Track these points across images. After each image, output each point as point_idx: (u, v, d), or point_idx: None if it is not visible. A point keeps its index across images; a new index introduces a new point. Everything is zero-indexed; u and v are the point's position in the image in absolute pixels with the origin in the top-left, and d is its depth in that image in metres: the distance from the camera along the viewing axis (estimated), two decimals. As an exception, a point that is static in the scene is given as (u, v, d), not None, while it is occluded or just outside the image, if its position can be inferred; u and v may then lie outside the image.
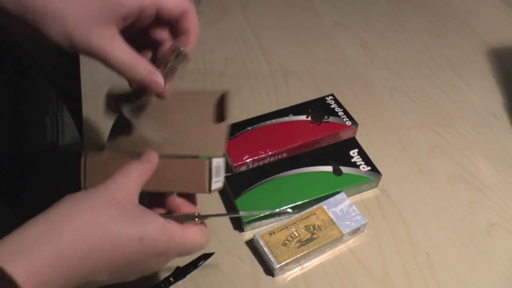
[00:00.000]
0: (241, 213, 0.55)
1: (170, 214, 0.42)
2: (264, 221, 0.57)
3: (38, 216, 0.33)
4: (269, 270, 0.53)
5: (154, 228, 0.36)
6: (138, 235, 0.35)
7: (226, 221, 0.58)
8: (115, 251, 0.34)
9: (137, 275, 0.38)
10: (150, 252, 0.36)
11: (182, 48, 0.41)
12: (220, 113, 0.53)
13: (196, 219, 0.41)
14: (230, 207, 0.60)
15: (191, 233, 0.39)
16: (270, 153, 0.63)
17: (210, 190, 0.43)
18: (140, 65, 0.39)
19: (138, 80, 0.39)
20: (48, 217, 0.33)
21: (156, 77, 0.40)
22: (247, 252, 0.55)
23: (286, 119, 0.67)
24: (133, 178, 0.39)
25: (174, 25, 0.41)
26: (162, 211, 0.43)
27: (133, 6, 0.37)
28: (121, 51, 0.38)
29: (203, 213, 0.42)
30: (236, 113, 0.72)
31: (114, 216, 0.35)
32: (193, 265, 0.53)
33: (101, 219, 0.34)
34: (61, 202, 0.35)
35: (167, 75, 0.42)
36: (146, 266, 0.37)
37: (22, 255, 0.30)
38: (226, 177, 0.60)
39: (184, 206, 0.42)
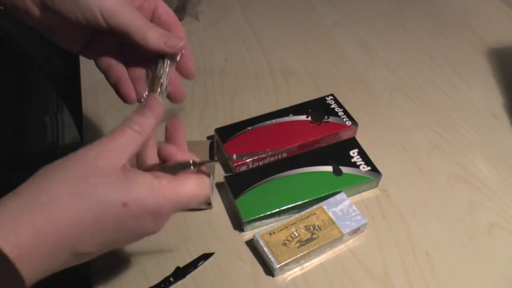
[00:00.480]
0: (235, 157, 0.55)
1: (163, 164, 0.39)
2: (264, 221, 0.57)
3: (16, 190, 0.33)
4: (269, 270, 0.53)
5: (139, 189, 0.34)
6: (121, 200, 0.34)
7: (226, 221, 0.58)
8: (98, 220, 0.33)
9: (135, 238, 0.37)
10: (139, 214, 0.35)
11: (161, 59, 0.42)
12: (209, 156, 0.61)
13: (192, 167, 0.38)
14: (231, 206, 0.60)
15: (185, 185, 0.37)
16: (270, 153, 0.63)
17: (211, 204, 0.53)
18: (161, 29, 0.41)
19: (164, 39, 0.40)
20: (24, 190, 0.32)
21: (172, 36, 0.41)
22: (247, 252, 0.55)
23: (286, 119, 0.67)
24: (123, 142, 0.36)
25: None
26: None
27: None
28: (143, 18, 0.40)
29: None
30: (236, 113, 0.72)
31: (92, 184, 0.33)
32: (193, 265, 0.53)
33: (78, 189, 0.33)
34: (37, 173, 0.34)
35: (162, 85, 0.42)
36: (142, 228, 0.36)
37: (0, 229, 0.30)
38: (226, 177, 0.60)
39: (177, 154, 0.40)
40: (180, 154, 0.40)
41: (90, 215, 0.33)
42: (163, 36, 0.40)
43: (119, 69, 0.45)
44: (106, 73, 0.46)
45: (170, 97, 0.44)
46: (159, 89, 0.42)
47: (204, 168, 0.39)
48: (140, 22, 0.40)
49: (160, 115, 0.39)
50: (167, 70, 0.42)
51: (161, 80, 0.41)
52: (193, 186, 0.37)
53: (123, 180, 0.34)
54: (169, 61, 0.42)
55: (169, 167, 0.38)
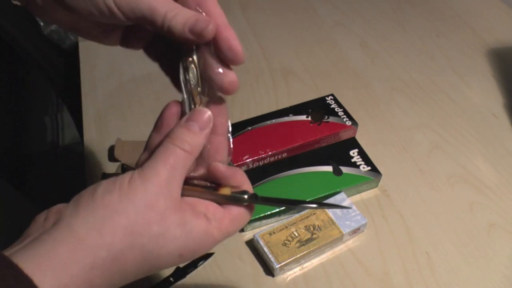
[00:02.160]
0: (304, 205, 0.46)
1: (211, 191, 0.35)
2: (264, 221, 0.57)
3: (64, 226, 0.30)
4: (269, 270, 0.53)
5: (195, 239, 0.32)
6: (179, 252, 0.32)
7: (226, 221, 0.58)
8: (151, 268, 0.32)
9: None
10: (191, 258, 0.34)
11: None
12: None
13: (244, 203, 0.34)
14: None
15: (232, 222, 0.34)
16: (270, 153, 0.63)
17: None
18: (187, 10, 0.33)
19: (189, 24, 0.32)
20: (77, 235, 0.29)
21: (205, 17, 0.33)
22: (247, 252, 0.55)
23: (286, 119, 0.67)
24: (179, 165, 0.32)
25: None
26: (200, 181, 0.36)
27: None
28: (166, 0, 0.33)
29: None
30: (236, 113, 0.72)
31: (155, 235, 0.31)
32: (193, 265, 0.53)
33: (140, 241, 0.30)
34: (88, 209, 0.30)
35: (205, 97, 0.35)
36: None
37: (50, 272, 0.28)
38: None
39: (230, 177, 0.35)
40: (231, 177, 0.35)
41: (146, 267, 0.32)
42: (187, 21, 0.32)
43: (169, 56, 0.38)
44: (159, 63, 0.40)
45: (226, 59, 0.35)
46: (199, 94, 0.35)
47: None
48: (162, 6, 0.32)
49: (209, 129, 0.35)
50: (196, 71, 0.35)
51: (192, 83, 0.35)
52: (239, 223, 0.35)
53: (181, 228, 0.32)
54: (196, 55, 0.35)
55: (219, 196, 0.34)
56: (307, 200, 0.57)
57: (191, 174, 0.36)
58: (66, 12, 0.35)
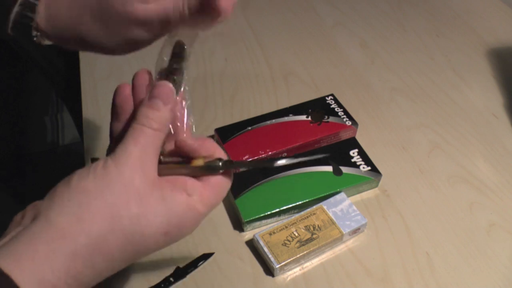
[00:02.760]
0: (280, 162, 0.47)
1: (184, 164, 0.34)
2: (264, 221, 0.57)
3: (41, 219, 0.29)
4: (269, 270, 0.53)
5: (178, 214, 0.32)
6: (163, 231, 0.32)
7: (226, 221, 0.58)
8: (139, 251, 0.32)
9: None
10: (178, 237, 0.33)
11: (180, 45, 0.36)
12: None
13: (220, 171, 0.34)
14: (231, 206, 0.60)
15: (213, 193, 0.34)
16: (270, 153, 0.63)
17: None
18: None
19: None
20: (55, 225, 0.29)
21: None
22: (247, 252, 0.55)
23: (286, 119, 0.67)
24: (150, 143, 0.32)
25: None
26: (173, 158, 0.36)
27: None
28: None
29: None
30: (236, 113, 0.72)
31: (135, 215, 0.30)
32: (193, 265, 0.53)
33: (120, 223, 0.30)
34: (64, 197, 0.30)
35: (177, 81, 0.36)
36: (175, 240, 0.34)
37: (29, 266, 0.28)
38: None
39: (199, 148, 0.35)
40: (201, 147, 0.35)
41: (130, 250, 0.31)
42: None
43: None
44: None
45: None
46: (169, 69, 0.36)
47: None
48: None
49: (173, 104, 0.34)
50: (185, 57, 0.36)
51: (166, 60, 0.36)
52: (220, 193, 0.35)
53: (162, 204, 0.32)
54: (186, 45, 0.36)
55: (193, 168, 0.34)
56: (307, 200, 0.57)
57: (165, 152, 0.36)
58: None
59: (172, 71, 0.35)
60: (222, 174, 0.34)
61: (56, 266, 0.28)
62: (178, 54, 0.36)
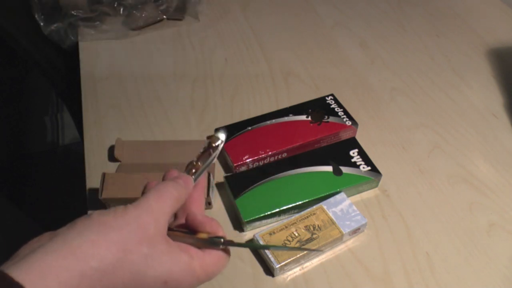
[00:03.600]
0: (268, 246, 0.54)
1: (191, 235, 0.38)
2: (264, 221, 0.57)
3: (58, 239, 0.31)
4: (269, 270, 0.53)
5: (180, 270, 0.35)
6: (164, 278, 0.34)
7: (226, 221, 0.58)
8: None
9: None
10: None
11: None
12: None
13: (221, 246, 0.38)
14: (231, 206, 0.60)
15: (214, 266, 0.37)
16: (270, 153, 0.63)
17: (208, 194, 0.56)
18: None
19: None
20: (71, 245, 0.31)
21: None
22: (247, 252, 0.55)
23: (286, 119, 0.67)
24: (167, 204, 0.36)
25: None
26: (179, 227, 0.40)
27: None
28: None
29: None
30: (236, 113, 0.72)
31: (144, 255, 0.33)
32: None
33: (130, 258, 0.32)
34: (85, 225, 0.32)
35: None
36: None
37: (38, 277, 0.29)
38: (226, 177, 0.60)
39: (206, 224, 0.39)
40: (209, 224, 0.39)
41: (133, 286, 0.33)
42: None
43: None
44: None
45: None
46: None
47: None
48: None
49: (191, 189, 0.39)
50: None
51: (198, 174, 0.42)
52: (218, 266, 0.38)
53: (168, 256, 0.34)
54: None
55: (198, 240, 0.38)
56: (307, 200, 0.57)
57: (173, 225, 0.41)
58: None
59: (195, 164, 0.42)
60: (222, 250, 0.38)
61: (63, 281, 0.29)
62: (204, 152, 0.42)
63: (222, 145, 0.43)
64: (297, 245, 0.53)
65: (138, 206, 0.34)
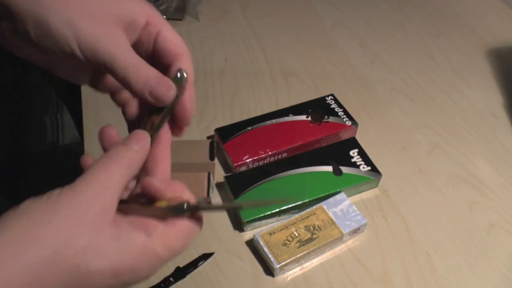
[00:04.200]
0: (240, 204, 0.50)
1: (150, 206, 0.32)
2: (264, 221, 0.57)
3: None
4: (269, 270, 0.53)
5: (134, 254, 0.29)
6: (114, 270, 0.28)
7: (226, 221, 0.58)
8: None
9: None
10: (131, 281, 0.30)
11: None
12: (209, 156, 0.61)
13: (185, 213, 0.32)
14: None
15: (176, 236, 0.31)
16: (270, 153, 0.63)
17: (208, 194, 0.53)
18: (151, 69, 0.33)
19: (150, 85, 0.32)
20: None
21: (168, 83, 0.33)
22: (247, 252, 0.55)
23: (286, 119, 0.67)
24: (114, 177, 0.30)
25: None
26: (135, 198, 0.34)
27: (140, 16, 0.34)
28: (130, 53, 0.32)
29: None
30: (236, 113, 0.72)
31: (83, 247, 0.27)
32: (193, 265, 0.53)
33: (64, 255, 0.27)
34: (8, 220, 0.27)
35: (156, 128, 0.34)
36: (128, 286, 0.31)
37: None
38: (226, 177, 0.60)
39: (165, 190, 0.32)
40: (167, 189, 0.33)
41: (74, 287, 0.27)
42: (148, 82, 0.32)
43: (134, 104, 0.38)
44: (122, 109, 0.38)
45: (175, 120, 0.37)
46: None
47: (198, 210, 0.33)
48: (124, 59, 0.32)
49: (147, 149, 0.33)
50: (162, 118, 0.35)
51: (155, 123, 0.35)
52: (185, 238, 0.32)
53: (116, 241, 0.29)
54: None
55: (158, 209, 0.32)
56: (307, 200, 0.57)
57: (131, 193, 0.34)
58: (33, 49, 0.33)
59: (150, 117, 0.34)
60: (189, 218, 0.32)
61: None
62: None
63: (185, 86, 0.34)
64: (297, 245, 0.53)
65: (75, 187, 0.28)
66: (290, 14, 0.92)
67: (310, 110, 0.68)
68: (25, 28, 0.31)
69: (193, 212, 0.32)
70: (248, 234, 0.57)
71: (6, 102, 1.31)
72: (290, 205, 0.57)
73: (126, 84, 0.32)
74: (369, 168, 0.61)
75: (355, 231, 0.56)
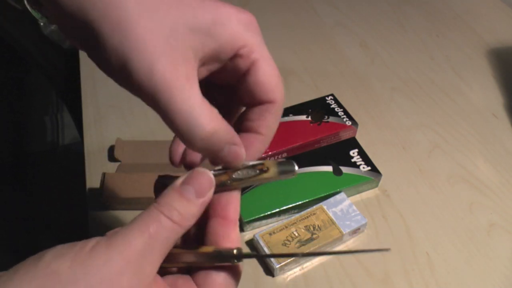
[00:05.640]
0: (297, 253, 0.47)
1: (192, 250, 0.28)
2: (264, 221, 0.57)
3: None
4: (269, 270, 0.53)
5: None
6: None
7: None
8: None
9: None
10: None
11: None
12: None
13: (235, 261, 0.28)
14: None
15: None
16: (270, 153, 0.63)
17: None
18: (223, 127, 0.27)
19: (213, 149, 0.27)
20: None
21: (239, 148, 0.28)
22: (247, 252, 0.55)
23: (286, 119, 0.67)
24: (158, 241, 0.25)
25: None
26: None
27: (226, 39, 0.27)
28: (196, 99, 0.25)
29: None
30: (236, 113, 0.71)
31: None
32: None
33: None
34: (27, 276, 0.23)
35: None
36: None
37: None
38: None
39: (215, 232, 0.29)
40: (229, 238, 0.29)
41: None
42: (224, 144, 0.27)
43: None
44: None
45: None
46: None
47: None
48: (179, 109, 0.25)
49: (209, 200, 0.28)
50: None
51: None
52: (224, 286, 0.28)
53: None
54: None
55: (202, 256, 0.28)
56: (307, 200, 0.57)
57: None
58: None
59: (233, 171, 0.29)
60: (228, 271, 0.28)
61: None
62: (262, 169, 0.31)
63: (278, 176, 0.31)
64: (297, 245, 0.53)
65: (112, 245, 0.24)
66: (290, 14, 0.92)
67: (310, 110, 0.68)
68: (104, 63, 0.27)
69: (235, 265, 0.28)
70: (248, 234, 0.57)
71: (6, 102, 1.31)
72: (290, 205, 0.57)
73: (184, 134, 0.26)
74: (369, 168, 0.61)
75: (355, 231, 0.56)
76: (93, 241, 0.25)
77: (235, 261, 0.27)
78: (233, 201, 0.30)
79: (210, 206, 0.29)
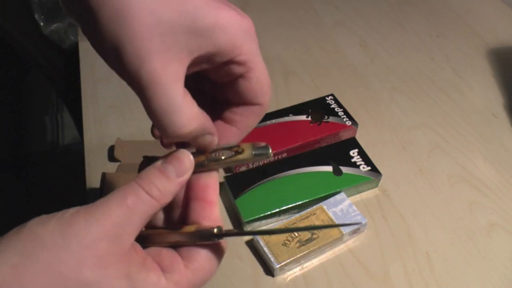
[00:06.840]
0: (273, 230, 0.47)
1: (174, 230, 0.30)
2: (264, 221, 0.57)
3: None
4: (269, 270, 0.53)
5: None
6: None
7: (226, 221, 0.58)
8: None
9: None
10: None
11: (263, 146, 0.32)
12: None
13: (216, 239, 0.29)
14: (231, 206, 0.60)
15: (200, 270, 0.29)
16: (270, 153, 0.63)
17: None
18: (200, 125, 0.28)
19: (192, 135, 0.28)
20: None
21: (213, 138, 0.30)
22: (247, 252, 0.55)
23: (286, 119, 0.67)
24: (136, 213, 0.27)
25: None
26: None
27: (224, 44, 0.28)
28: (177, 100, 0.27)
29: None
30: (236, 113, 0.71)
31: (85, 280, 0.25)
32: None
33: (63, 284, 0.24)
34: (11, 241, 0.25)
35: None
36: None
37: None
38: (226, 177, 0.60)
39: (197, 214, 0.30)
40: (202, 212, 0.30)
41: None
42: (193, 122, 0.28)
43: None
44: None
45: None
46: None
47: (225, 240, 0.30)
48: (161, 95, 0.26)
49: (187, 179, 0.30)
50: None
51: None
52: (206, 271, 0.29)
53: (123, 280, 0.26)
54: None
55: (185, 234, 0.29)
56: (307, 200, 0.57)
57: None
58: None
59: (210, 152, 0.31)
60: (211, 249, 0.29)
61: None
62: (237, 151, 0.32)
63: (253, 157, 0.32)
64: (297, 245, 0.53)
65: (91, 213, 0.26)
66: (290, 13, 0.92)
67: (310, 110, 0.68)
68: (98, 45, 0.28)
69: (218, 242, 0.29)
70: (248, 234, 0.57)
71: (6, 102, 1.31)
72: (290, 205, 0.57)
73: (164, 123, 0.28)
74: (369, 168, 0.61)
75: (355, 231, 0.56)
76: (73, 209, 0.26)
77: (216, 239, 0.29)
78: (211, 184, 0.31)
79: (191, 189, 0.31)
